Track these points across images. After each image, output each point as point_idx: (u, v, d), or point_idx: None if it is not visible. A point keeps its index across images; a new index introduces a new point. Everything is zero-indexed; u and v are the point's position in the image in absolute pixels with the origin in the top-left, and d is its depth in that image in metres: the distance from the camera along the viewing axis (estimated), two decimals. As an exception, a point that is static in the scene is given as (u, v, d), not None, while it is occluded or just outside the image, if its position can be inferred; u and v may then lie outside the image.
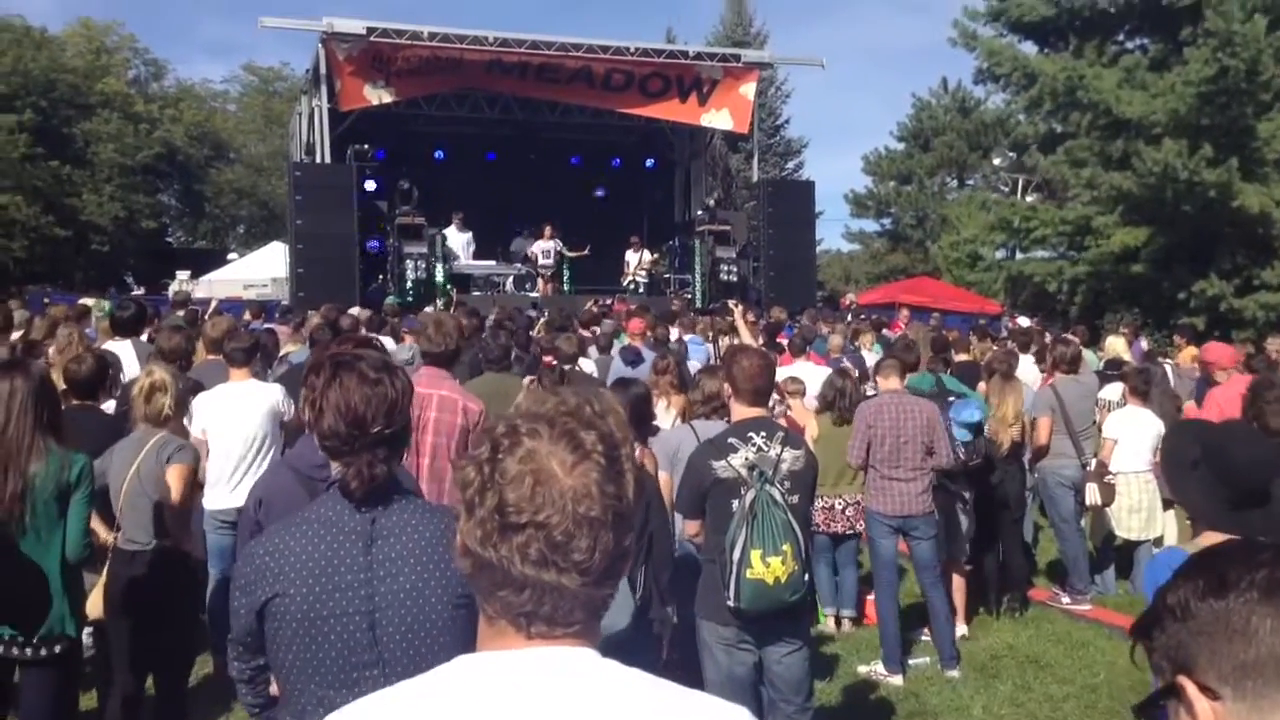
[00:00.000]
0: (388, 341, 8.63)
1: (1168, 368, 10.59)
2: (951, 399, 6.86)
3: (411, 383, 2.47)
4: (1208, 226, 20.92)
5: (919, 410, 6.33)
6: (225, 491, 5.74)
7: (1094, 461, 7.70)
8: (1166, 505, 7.64)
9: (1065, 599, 7.71)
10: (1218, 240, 21.29)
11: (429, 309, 14.81)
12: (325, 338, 7.94)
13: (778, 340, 11.08)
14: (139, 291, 23.45)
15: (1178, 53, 20.91)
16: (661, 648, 4.31)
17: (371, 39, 18.08)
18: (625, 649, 3.15)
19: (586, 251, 20.73)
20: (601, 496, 1.24)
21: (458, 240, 19.89)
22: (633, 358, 9.38)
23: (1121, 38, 24.25)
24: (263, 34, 21.63)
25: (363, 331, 10.17)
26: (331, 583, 2.17)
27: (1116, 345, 11.59)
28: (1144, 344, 14.46)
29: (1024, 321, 17.91)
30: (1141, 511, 7.66)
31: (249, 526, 3.52)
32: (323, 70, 18.35)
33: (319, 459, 3.60)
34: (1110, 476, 7.60)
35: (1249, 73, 19.06)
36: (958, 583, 6.99)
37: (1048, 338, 11.76)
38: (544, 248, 20.20)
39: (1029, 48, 24.39)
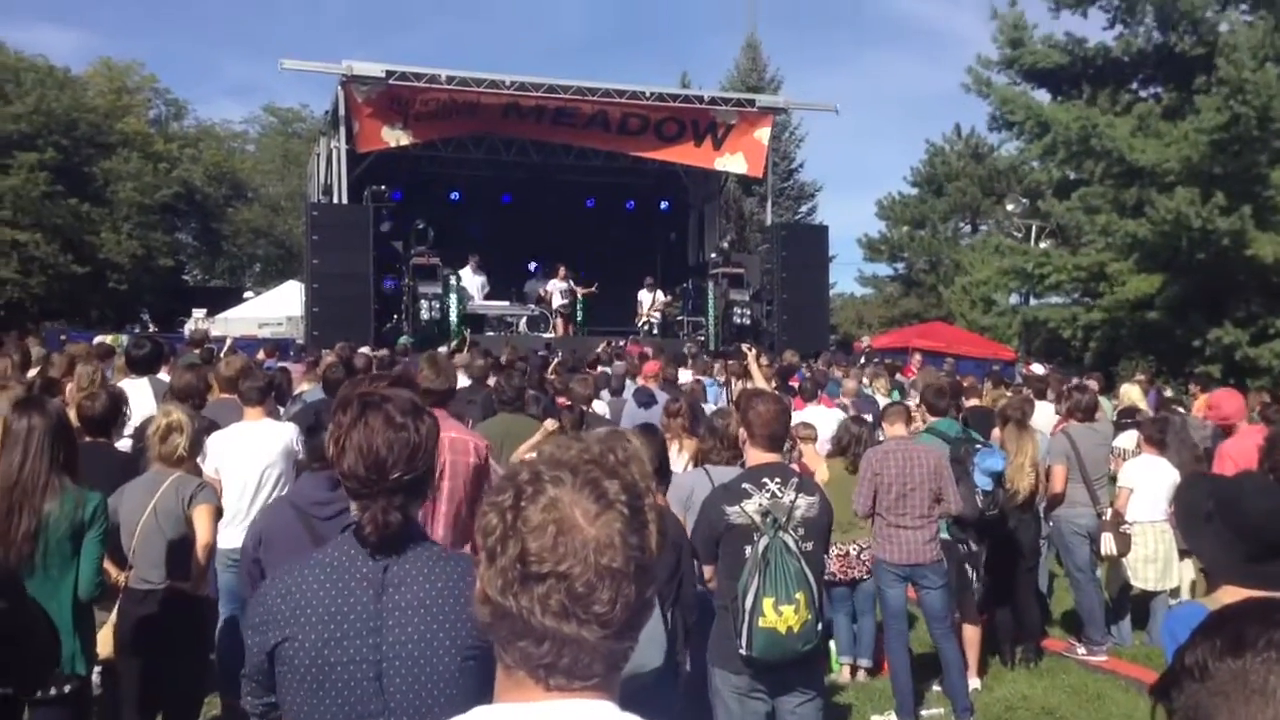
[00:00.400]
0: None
1: (1184, 416, 10.53)
2: (978, 446, 6.81)
3: (439, 427, 2.45)
4: (1222, 274, 20.91)
5: (926, 457, 6.27)
6: (238, 530, 5.72)
7: (1109, 510, 7.64)
8: (1183, 555, 7.56)
9: (1081, 650, 7.63)
10: (1232, 288, 21.28)
11: (442, 348, 14.88)
12: (339, 375, 7.96)
13: (790, 384, 11.07)
14: (153, 329, 23.60)
15: (1190, 101, 20.99)
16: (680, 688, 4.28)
17: (390, 82, 18.29)
18: (651, 690, 3.15)
19: (594, 289, 20.82)
20: (624, 548, 1.23)
21: (473, 282, 20.00)
22: (646, 399, 9.40)
23: (1135, 86, 24.37)
24: (283, 76, 21.90)
25: (375, 370, 10.23)
26: (340, 630, 2.15)
27: (1132, 394, 11.54)
28: (1165, 391, 14.39)
29: (1037, 368, 17.87)
30: (1158, 562, 7.59)
31: (248, 564, 3.53)
32: (342, 112, 18.56)
33: (319, 496, 3.63)
34: (1126, 526, 7.54)
35: (1261, 120, 19.10)
36: (970, 634, 6.91)
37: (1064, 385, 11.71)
38: (558, 288, 20.31)
39: (1042, 95, 24.53)
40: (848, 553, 7.02)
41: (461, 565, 2.24)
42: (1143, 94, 24.19)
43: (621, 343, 17.30)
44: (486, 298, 20.38)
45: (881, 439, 7.31)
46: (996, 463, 6.72)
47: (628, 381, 11.01)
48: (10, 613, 2.66)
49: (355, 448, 2.24)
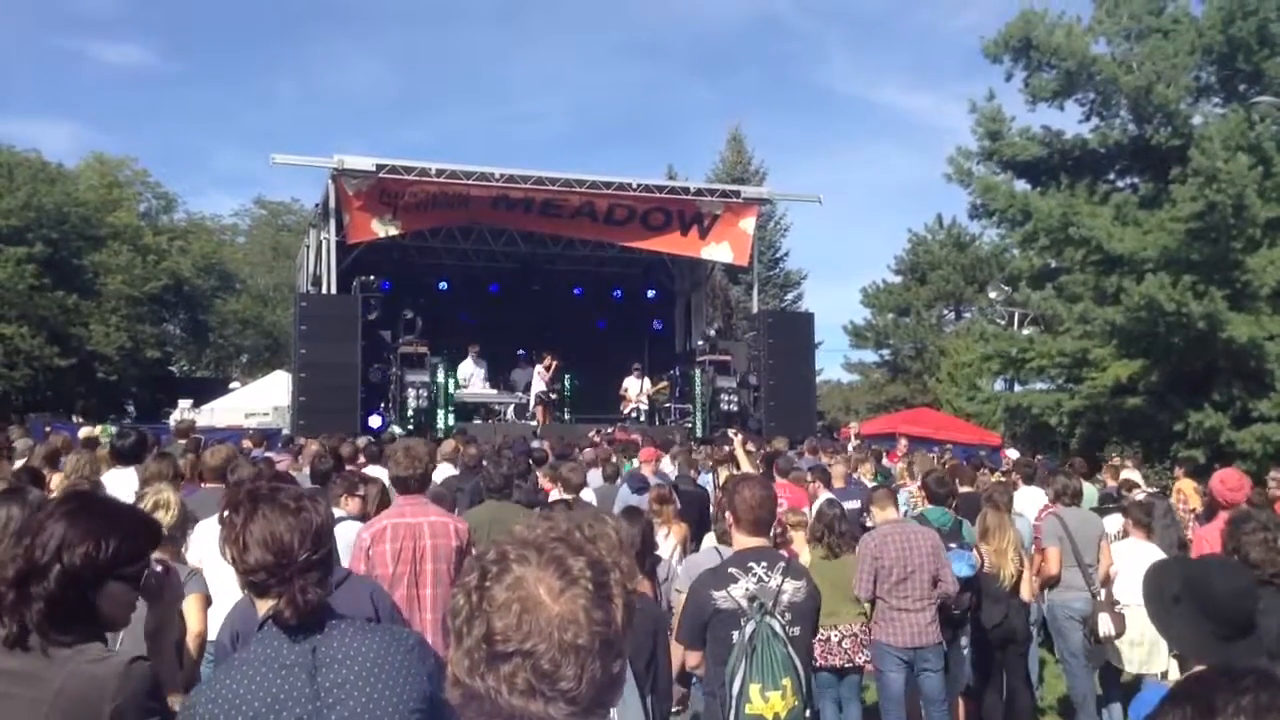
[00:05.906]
0: (380, 470, 8.57)
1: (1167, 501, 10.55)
2: (951, 546, 6.76)
3: (332, 512, 2.49)
4: (1201, 359, 21.03)
5: (923, 539, 6.30)
6: (219, 622, 5.66)
7: (1103, 592, 7.59)
8: (1171, 639, 7.47)
9: (1073, 737, 7.53)
10: (1212, 372, 21.39)
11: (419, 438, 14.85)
12: (327, 467, 7.96)
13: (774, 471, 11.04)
14: (131, 420, 23.48)
15: (1166, 191, 21.32)
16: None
17: (381, 175, 18.51)
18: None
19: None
20: (589, 623, 1.22)
21: (470, 371, 20.04)
22: (640, 485, 9.40)
23: (1112, 177, 24.79)
24: (274, 169, 22.13)
25: (361, 459, 10.22)
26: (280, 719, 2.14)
27: (1133, 477, 11.52)
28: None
29: (1012, 453, 17.96)
30: (1143, 645, 7.51)
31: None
32: (332, 205, 18.73)
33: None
34: (1120, 606, 7.48)
35: (1235, 208, 19.40)
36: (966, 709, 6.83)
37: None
38: (545, 376, 20.37)
39: (1022, 185, 24.95)
40: (828, 638, 6.94)
41: (386, 634, 2.30)
42: (1120, 184, 24.60)
43: (610, 430, 17.32)
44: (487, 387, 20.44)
45: (867, 523, 7.31)
46: (963, 568, 6.65)
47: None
48: None
49: (258, 540, 2.28)
